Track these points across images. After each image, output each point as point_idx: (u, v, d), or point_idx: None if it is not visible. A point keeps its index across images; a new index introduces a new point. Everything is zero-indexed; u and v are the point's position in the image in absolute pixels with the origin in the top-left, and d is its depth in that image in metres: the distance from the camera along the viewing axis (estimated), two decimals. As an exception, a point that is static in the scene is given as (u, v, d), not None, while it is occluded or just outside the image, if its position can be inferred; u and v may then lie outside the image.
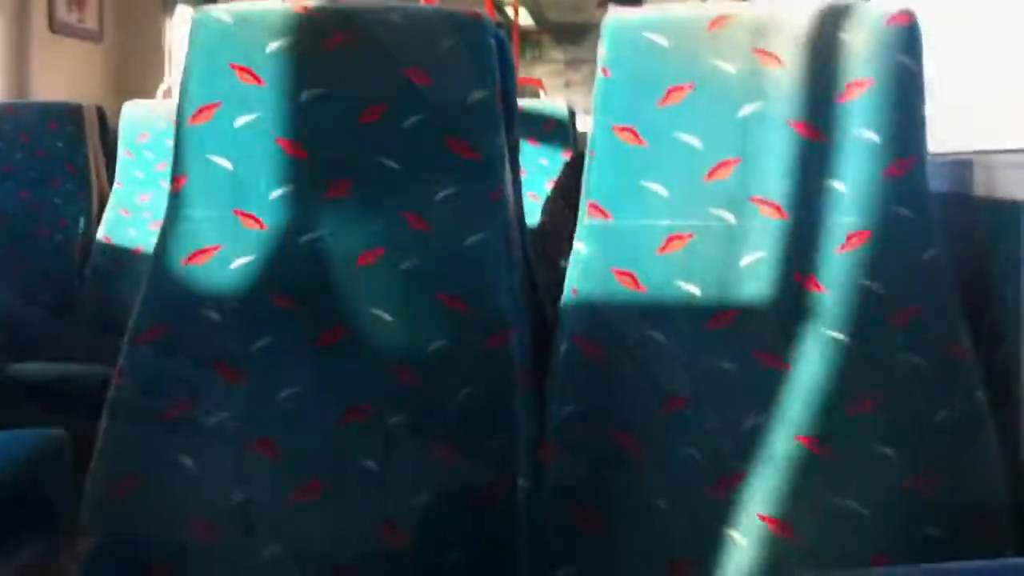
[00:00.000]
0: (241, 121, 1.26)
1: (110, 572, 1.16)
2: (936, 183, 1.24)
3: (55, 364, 2.50)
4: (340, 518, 1.18)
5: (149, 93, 3.56)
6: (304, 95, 1.26)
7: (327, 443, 1.20)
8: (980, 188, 1.29)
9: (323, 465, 1.19)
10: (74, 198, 2.85)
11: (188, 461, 1.18)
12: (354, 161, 1.26)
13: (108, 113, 3.08)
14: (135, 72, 3.79)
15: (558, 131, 3.03)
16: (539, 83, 3.81)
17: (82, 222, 2.83)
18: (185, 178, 1.27)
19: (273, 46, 1.26)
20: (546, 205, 2.37)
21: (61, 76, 3.40)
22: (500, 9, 6.84)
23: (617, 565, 1.17)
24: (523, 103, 3.13)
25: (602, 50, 1.27)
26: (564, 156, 2.93)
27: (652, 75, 1.25)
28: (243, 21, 1.27)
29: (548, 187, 2.65)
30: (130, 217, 2.84)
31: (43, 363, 2.50)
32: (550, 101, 3.34)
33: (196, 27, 1.28)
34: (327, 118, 1.26)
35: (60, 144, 2.86)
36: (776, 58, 1.24)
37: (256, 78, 1.26)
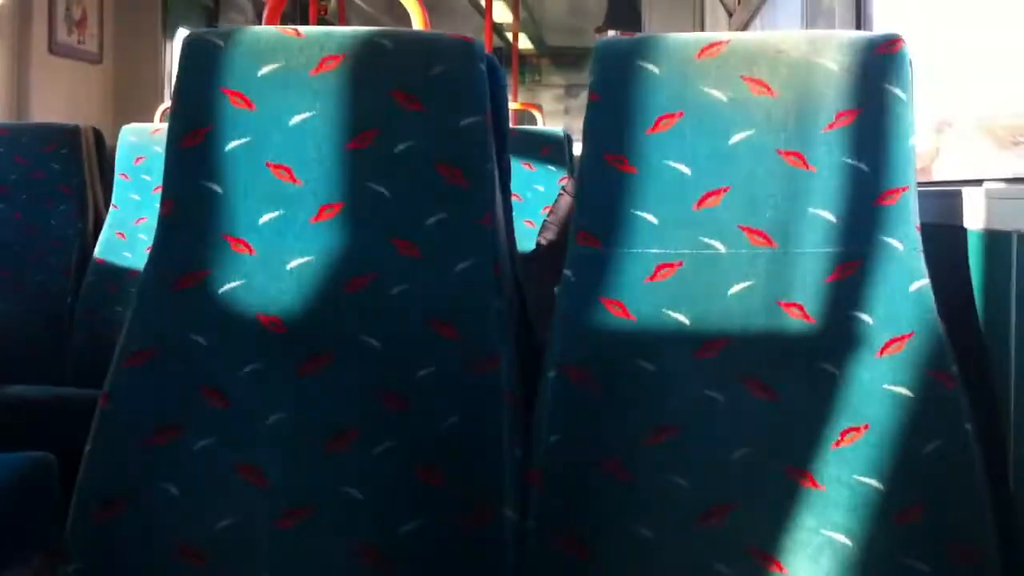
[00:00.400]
0: (231, 145, 1.27)
1: None
2: (924, 213, 1.24)
3: (45, 387, 2.50)
4: (325, 545, 1.17)
5: (148, 115, 3.58)
6: (294, 120, 1.26)
7: (313, 469, 1.19)
8: (968, 218, 1.29)
9: (309, 491, 1.18)
10: (70, 220, 2.85)
11: (173, 487, 1.18)
12: (344, 186, 1.26)
13: (106, 135, 3.09)
14: (134, 94, 3.80)
15: (555, 157, 3.04)
16: (537, 108, 3.82)
17: (77, 244, 2.83)
18: (175, 202, 1.27)
19: (264, 70, 1.27)
20: (541, 231, 2.38)
21: (60, 97, 3.42)
22: (499, 33, 6.87)
23: None
24: (519, 128, 3.14)
25: (592, 75, 1.27)
26: (560, 182, 2.94)
27: (642, 102, 1.26)
28: (234, 45, 1.27)
29: (544, 213, 2.66)
30: (126, 240, 2.84)
31: (33, 386, 2.50)
32: (547, 127, 3.35)
33: (187, 49, 1.29)
34: (317, 143, 1.26)
35: (57, 166, 2.86)
36: (766, 86, 1.24)
37: (247, 102, 1.27)
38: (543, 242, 2.31)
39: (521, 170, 2.94)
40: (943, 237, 1.31)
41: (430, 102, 1.27)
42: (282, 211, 1.26)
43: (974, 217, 1.27)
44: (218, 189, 1.27)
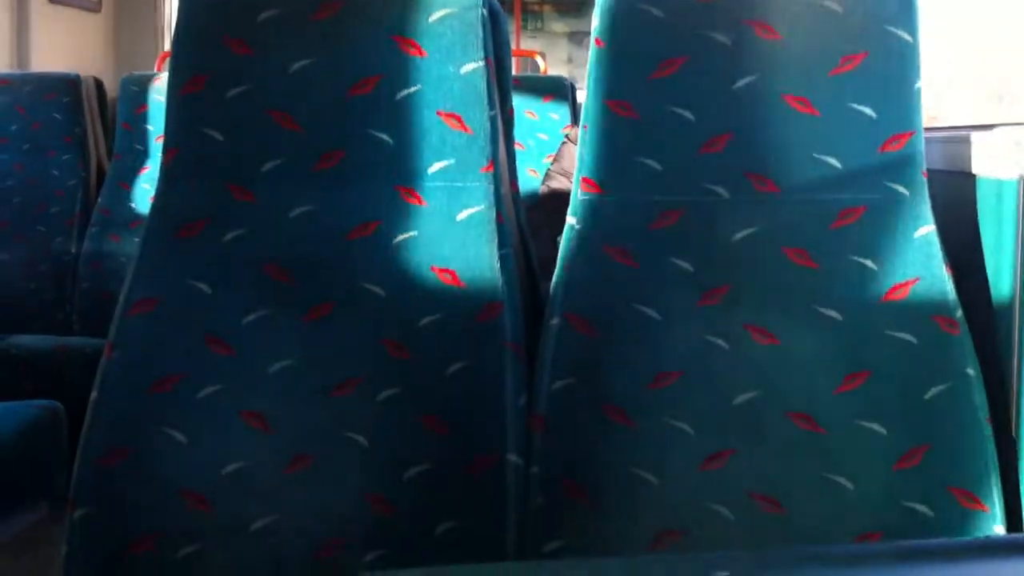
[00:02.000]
0: (232, 92, 1.26)
1: (99, 541, 1.17)
2: (932, 159, 1.23)
3: (51, 337, 2.51)
4: (330, 490, 1.18)
5: (148, 64, 3.55)
6: (295, 66, 1.25)
7: (317, 416, 1.20)
8: (974, 163, 1.28)
9: (313, 438, 1.19)
10: (72, 170, 2.84)
11: (178, 433, 1.19)
12: (346, 134, 1.26)
13: (107, 84, 3.07)
14: (134, 43, 3.76)
15: (558, 104, 3.01)
16: (540, 56, 3.78)
17: (80, 194, 2.83)
18: (177, 150, 1.27)
19: (263, 16, 1.25)
20: (545, 180, 2.37)
21: (60, 46, 3.39)
22: (501, -21, 6.75)
23: (606, 539, 1.17)
24: (522, 76, 3.11)
25: (595, 20, 1.26)
26: (564, 130, 2.92)
27: (645, 47, 1.24)
28: None
29: (548, 161, 2.64)
30: (128, 190, 2.83)
31: (39, 336, 2.51)
32: (550, 75, 3.32)
33: None
34: (318, 90, 1.25)
35: (58, 115, 2.85)
36: (770, 30, 1.23)
37: (247, 48, 1.26)
38: (547, 191, 2.30)
39: (524, 118, 2.92)
40: (951, 183, 1.30)
41: (432, 48, 1.26)
42: (284, 158, 1.26)
43: (983, 163, 1.26)
44: (219, 137, 1.26)
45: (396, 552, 1.16)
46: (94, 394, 1.19)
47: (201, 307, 1.22)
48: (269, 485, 1.18)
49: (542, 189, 2.34)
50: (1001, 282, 1.23)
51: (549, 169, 2.36)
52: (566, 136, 2.43)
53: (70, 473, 1.19)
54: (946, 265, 1.20)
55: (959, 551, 0.61)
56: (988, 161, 1.26)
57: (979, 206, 1.28)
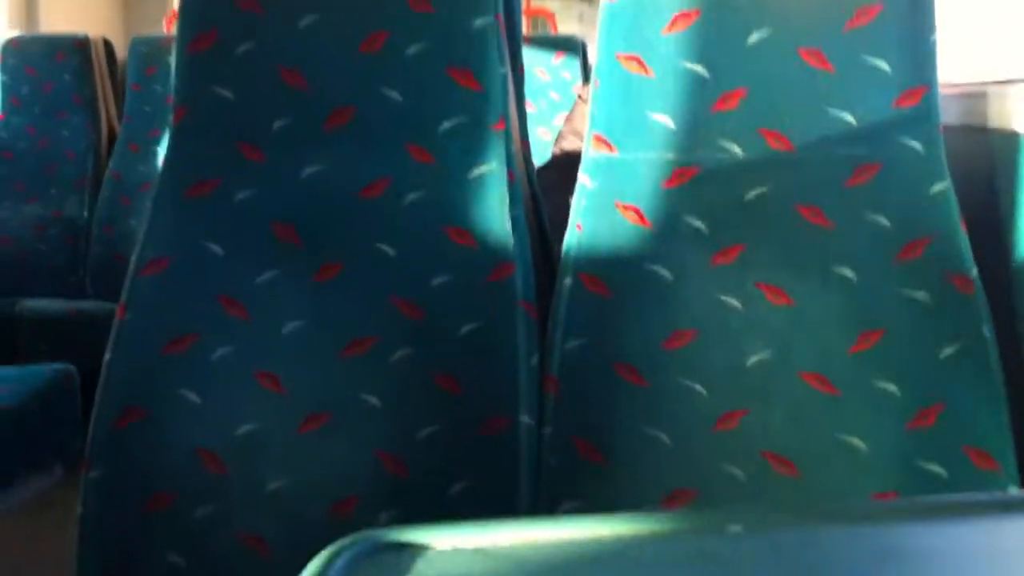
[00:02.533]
0: (240, 49, 1.25)
1: (115, 501, 1.18)
2: (946, 114, 1.22)
3: (63, 300, 2.52)
4: (344, 450, 1.18)
5: (157, 24, 3.53)
6: (303, 22, 1.24)
7: (330, 376, 1.20)
8: (991, 119, 1.26)
9: (327, 398, 1.19)
10: (83, 132, 2.84)
11: (192, 394, 1.19)
12: (355, 91, 1.25)
13: (116, 46, 3.06)
14: (143, 3, 3.75)
15: (569, 64, 2.99)
16: (549, 15, 3.75)
17: (91, 157, 2.83)
18: (186, 109, 1.26)
19: None
20: (557, 141, 2.35)
21: (69, 7, 3.37)
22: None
23: (619, 499, 1.17)
24: (533, 36, 3.09)
25: None
26: (576, 90, 2.90)
27: (657, 1, 1.23)
28: None
29: (559, 122, 2.62)
30: (139, 152, 2.83)
31: (51, 299, 2.52)
32: (561, 34, 3.29)
33: None
34: (327, 46, 1.24)
35: (68, 77, 2.84)
36: None
37: (255, 4, 1.24)
38: (559, 152, 2.28)
39: (535, 78, 2.90)
40: (967, 139, 1.29)
41: (440, 3, 1.24)
42: (293, 117, 1.25)
43: (998, 118, 1.25)
44: (229, 95, 1.25)
45: (409, 512, 1.16)
46: (107, 355, 1.20)
47: (213, 268, 1.22)
48: (283, 445, 1.18)
49: (554, 150, 2.32)
50: (1018, 240, 1.22)
51: (561, 130, 2.34)
52: (578, 96, 2.41)
53: (84, 435, 1.19)
54: (962, 223, 1.18)
55: (976, 507, 0.60)
56: (1006, 116, 1.24)
57: (996, 163, 1.26)
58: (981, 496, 0.62)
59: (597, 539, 0.55)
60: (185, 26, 1.26)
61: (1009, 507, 0.60)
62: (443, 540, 0.54)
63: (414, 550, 0.54)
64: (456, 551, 0.54)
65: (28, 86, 2.83)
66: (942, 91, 1.21)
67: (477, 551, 0.54)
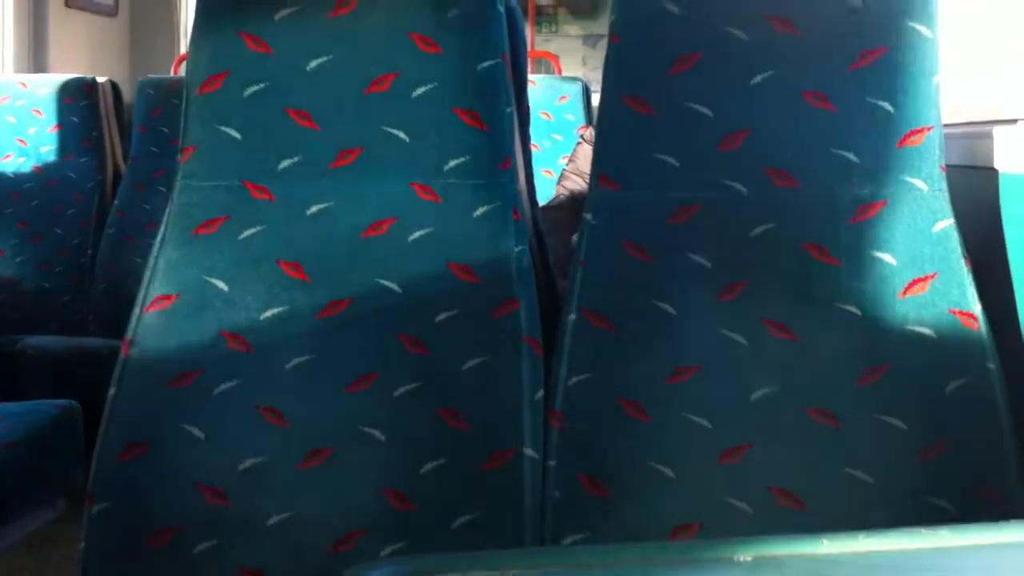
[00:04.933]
0: (250, 90, 1.26)
1: (117, 535, 1.17)
2: (951, 153, 1.23)
3: (67, 337, 2.52)
4: (347, 484, 1.18)
5: (164, 68, 3.57)
6: (312, 64, 1.26)
7: (334, 411, 1.20)
8: (996, 159, 1.27)
9: (330, 433, 1.19)
10: (89, 173, 2.86)
11: (195, 429, 1.19)
12: (362, 131, 1.26)
13: (123, 88, 3.08)
14: (150, 47, 3.79)
15: (572, 106, 3.01)
16: (553, 58, 3.78)
17: (96, 197, 2.84)
18: (194, 148, 1.27)
19: (281, 14, 1.26)
20: (560, 180, 2.36)
21: (76, 51, 3.41)
22: (516, -17, 6.72)
23: (623, 532, 1.16)
24: (537, 78, 3.11)
25: (613, 15, 1.26)
26: (579, 131, 2.92)
27: (662, 43, 1.24)
28: None
29: (563, 162, 2.64)
30: (144, 192, 2.85)
31: (55, 336, 2.52)
32: (565, 76, 3.32)
33: None
34: (335, 87, 1.26)
35: (75, 119, 2.86)
36: (789, 24, 1.22)
37: (264, 46, 1.26)
38: (563, 191, 2.30)
39: (539, 119, 2.92)
40: (972, 178, 1.29)
41: (448, 45, 1.26)
42: (301, 156, 1.26)
43: (1005, 158, 1.25)
44: (237, 135, 1.26)
45: (414, 545, 1.16)
46: (112, 390, 1.20)
47: (218, 303, 1.23)
48: (286, 480, 1.18)
49: (557, 189, 2.33)
50: (1020, 276, 1.22)
51: (564, 170, 2.35)
52: (581, 136, 2.43)
53: (87, 471, 1.19)
54: (965, 260, 1.19)
55: (986, 537, 0.60)
56: (1010, 156, 1.25)
57: (1001, 201, 1.27)
58: (990, 527, 0.62)
59: (606, 568, 0.55)
60: (195, 68, 1.27)
61: (1020, 538, 0.60)
62: (451, 572, 0.54)
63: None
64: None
65: (36, 127, 2.85)
66: (946, 131, 1.22)
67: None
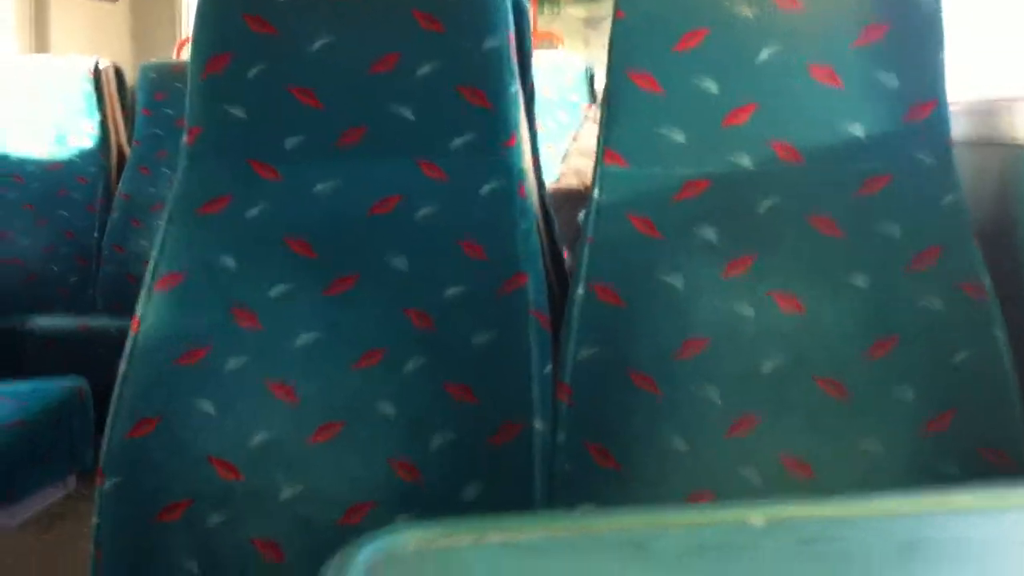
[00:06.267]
0: (254, 70, 1.26)
1: (128, 511, 1.18)
2: (956, 127, 1.22)
3: (73, 316, 2.54)
4: (357, 459, 1.19)
5: (166, 52, 3.56)
6: (316, 44, 1.26)
7: (343, 386, 1.20)
8: (1001, 132, 1.27)
9: (340, 408, 1.20)
10: (93, 156, 2.86)
11: (206, 404, 1.19)
12: (367, 110, 1.26)
13: (126, 73, 3.08)
14: (152, 31, 3.78)
15: (577, 86, 3.01)
16: (556, 37, 3.78)
17: (101, 180, 2.85)
18: (199, 129, 1.27)
19: None
20: (565, 159, 2.36)
21: (79, 35, 3.41)
22: (518, -35, 6.67)
23: (634, 502, 1.17)
24: (542, 56, 3.11)
25: None
26: (583, 111, 2.91)
27: (667, 18, 1.24)
28: None
29: (567, 141, 2.64)
30: (149, 175, 2.85)
31: (63, 316, 2.53)
32: (569, 55, 3.32)
33: None
34: (339, 67, 1.26)
35: (79, 102, 2.87)
36: (793, 0, 1.22)
37: (268, 26, 1.26)
38: (567, 170, 2.29)
39: (543, 99, 2.92)
40: (978, 153, 1.29)
41: (452, 23, 1.26)
42: (306, 136, 1.26)
43: (1007, 130, 1.25)
44: (242, 115, 1.26)
45: (423, 518, 1.16)
46: (122, 367, 1.20)
47: (226, 281, 1.23)
48: (297, 454, 1.19)
49: (562, 168, 2.33)
50: (1028, 248, 1.22)
51: (569, 148, 2.35)
52: (585, 115, 2.43)
53: (97, 448, 1.20)
54: (973, 233, 1.19)
55: (1001, 499, 0.60)
56: (1015, 130, 1.25)
57: (1007, 175, 1.27)
58: (1005, 488, 0.63)
59: (620, 532, 0.55)
60: (199, 49, 1.27)
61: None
62: (466, 536, 0.54)
63: (438, 546, 0.53)
64: (481, 546, 0.53)
65: (40, 111, 2.85)
66: (953, 107, 1.22)
67: (503, 545, 0.54)
